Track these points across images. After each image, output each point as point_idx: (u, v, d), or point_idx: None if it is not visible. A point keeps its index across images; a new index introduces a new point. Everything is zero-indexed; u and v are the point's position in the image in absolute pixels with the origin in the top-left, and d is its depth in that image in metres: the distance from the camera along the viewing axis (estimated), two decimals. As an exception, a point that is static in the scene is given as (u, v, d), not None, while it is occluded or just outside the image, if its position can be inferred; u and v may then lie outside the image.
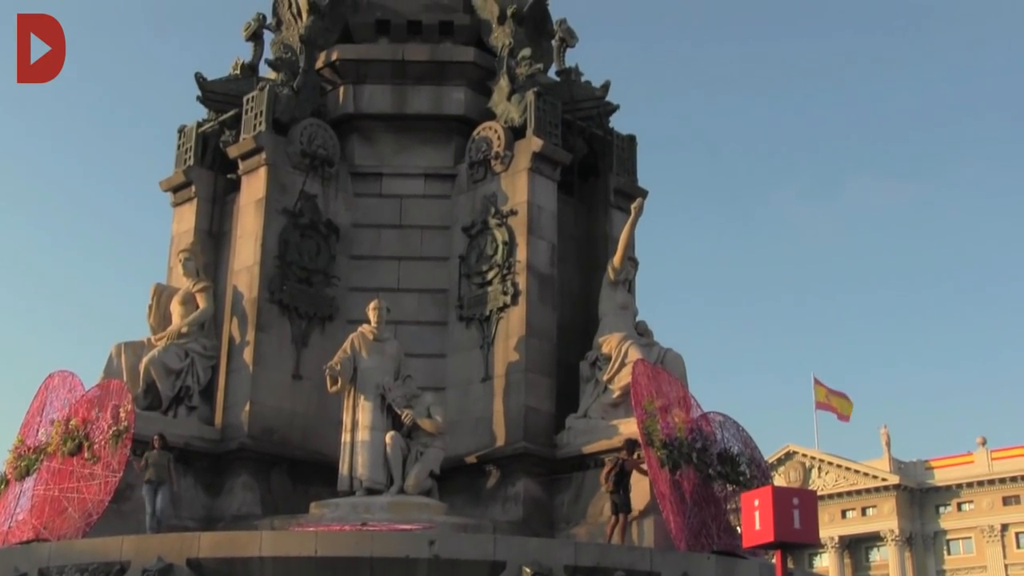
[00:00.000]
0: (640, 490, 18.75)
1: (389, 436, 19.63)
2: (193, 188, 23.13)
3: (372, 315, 20.47)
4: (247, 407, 20.52)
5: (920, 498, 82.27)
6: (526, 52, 22.86)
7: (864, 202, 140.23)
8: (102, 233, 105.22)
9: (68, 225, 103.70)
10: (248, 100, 22.49)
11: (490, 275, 21.59)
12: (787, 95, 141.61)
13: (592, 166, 23.67)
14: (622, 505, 18.37)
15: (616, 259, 21.61)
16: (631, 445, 18.71)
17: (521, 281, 21.15)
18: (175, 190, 23.52)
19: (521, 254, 21.34)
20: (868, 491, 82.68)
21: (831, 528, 79.98)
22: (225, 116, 23.29)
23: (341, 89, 23.54)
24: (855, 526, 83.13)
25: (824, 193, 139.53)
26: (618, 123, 24.27)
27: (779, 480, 75.52)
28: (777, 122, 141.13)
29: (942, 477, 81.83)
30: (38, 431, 19.91)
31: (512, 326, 21.06)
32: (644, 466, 18.43)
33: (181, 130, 23.80)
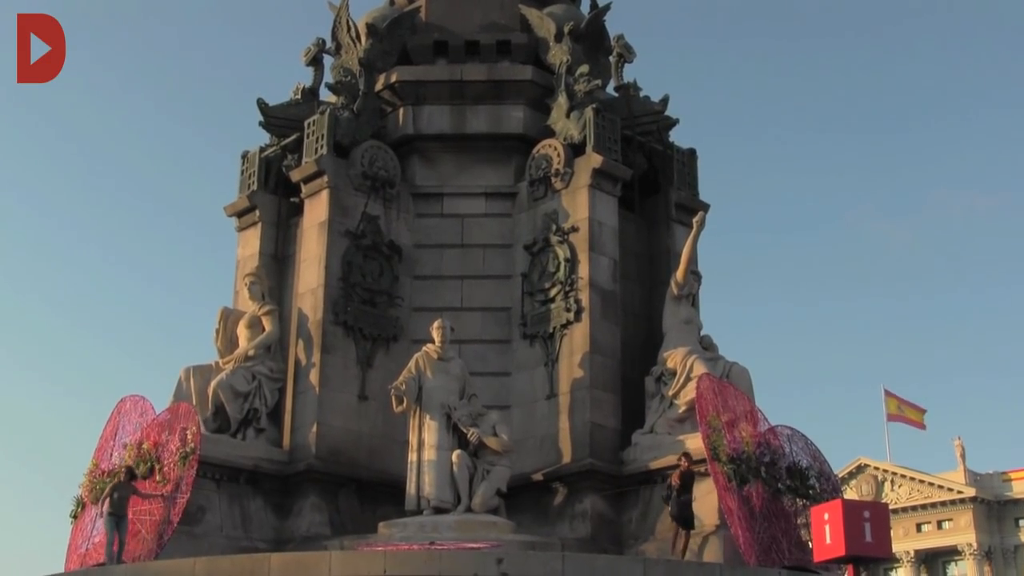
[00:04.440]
0: (708, 505, 18.62)
1: (455, 455, 19.67)
2: (257, 212, 23.38)
3: (436, 335, 20.55)
4: (314, 428, 20.68)
5: (998, 511, 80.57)
6: (584, 69, 22.89)
7: (942, 214, 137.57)
8: (169, 258, 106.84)
9: (136, 252, 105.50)
10: (309, 124, 22.74)
11: (552, 292, 21.60)
12: (860, 111, 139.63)
13: (653, 181, 23.59)
14: (679, 519, 18.20)
15: (679, 273, 21.51)
16: (687, 458, 18.57)
17: (584, 298, 21.13)
18: (239, 215, 23.79)
19: (583, 271, 21.33)
20: (943, 504, 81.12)
21: (906, 542, 78.62)
22: (287, 140, 23.53)
23: (401, 111, 23.72)
24: (931, 540, 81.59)
25: (903, 207, 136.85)
26: (680, 137, 24.24)
27: (850, 494, 74.38)
28: (853, 139, 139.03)
29: (1021, 489, 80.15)
30: (112, 455, 20.23)
31: (576, 343, 21.03)
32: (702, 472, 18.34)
33: (244, 155, 24.09)
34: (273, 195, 23.61)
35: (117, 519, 18.22)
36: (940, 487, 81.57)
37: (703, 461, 18.56)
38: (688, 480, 18.34)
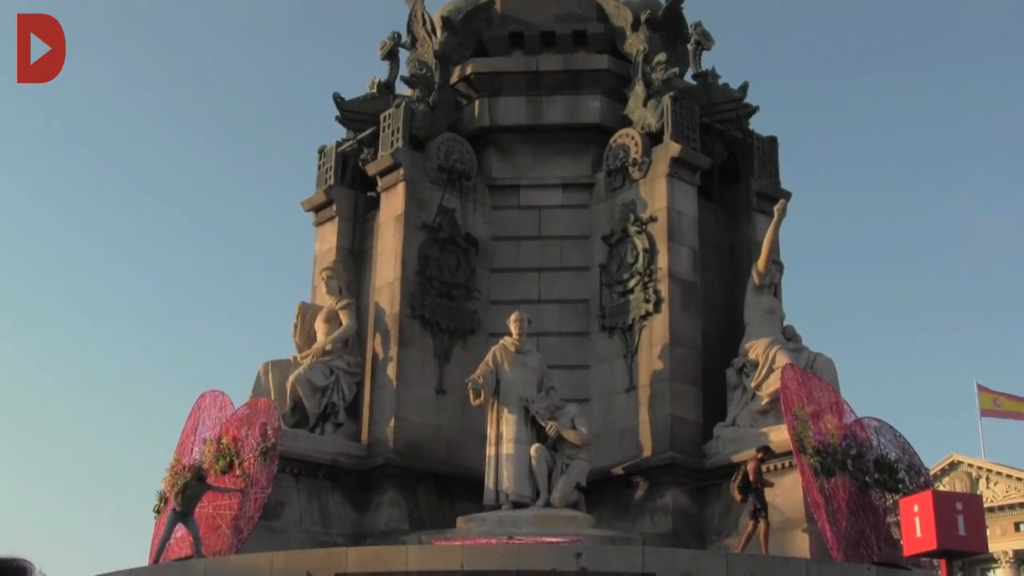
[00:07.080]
0: (794, 499, 18.17)
1: (534, 449, 19.44)
2: (334, 207, 23.38)
3: (514, 327, 20.33)
4: (392, 423, 20.60)
5: (1102, 509, 78.24)
6: (661, 57, 22.53)
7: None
8: (248, 253, 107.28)
9: (215, 247, 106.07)
10: (385, 118, 22.67)
11: (631, 283, 21.27)
12: (954, 100, 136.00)
13: (733, 170, 23.14)
14: (758, 511, 17.74)
15: (760, 263, 21.06)
16: (765, 451, 18.16)
17: (663, 288, 20.78)
18: (317, 210, 23.82)
19: (662, 261, 20.98)
20: (1043, 502, 78.95)
21: (1004, 542, 76.50)
22: (363, 135, 23.50)
23: (476, 103, 23.56)
24: (1030, 540, 79.44)
25: (1008, 198, 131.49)
26: (761, 125, 23.76)
27: (945, 492, 72.53)
28: (946, 125, 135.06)
29: None
30: (192, 450, 20.34)
31: (655, 335, 20.68)
32: (764, 476, 17.92)
33: (321, 150, 24.12)
34: (350, 189, 23.61)
35: (183, 516, 18.29)
36: (1039, 484, 79.43)
37: (787, 454, 18.12)
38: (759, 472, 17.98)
